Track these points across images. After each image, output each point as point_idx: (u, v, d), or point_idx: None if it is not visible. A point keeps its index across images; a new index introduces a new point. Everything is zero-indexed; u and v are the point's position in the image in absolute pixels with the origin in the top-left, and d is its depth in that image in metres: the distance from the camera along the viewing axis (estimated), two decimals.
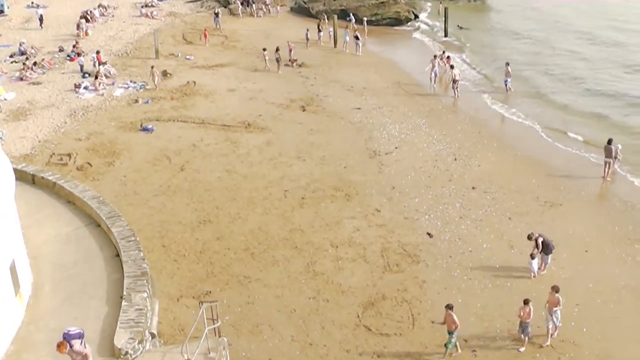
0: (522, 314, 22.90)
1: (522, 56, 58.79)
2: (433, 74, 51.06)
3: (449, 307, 22.50)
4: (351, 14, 68.60)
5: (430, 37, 67.69)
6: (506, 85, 50.24)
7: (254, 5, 73.79)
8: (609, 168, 36.64)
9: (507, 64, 50.57)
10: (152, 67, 48.07)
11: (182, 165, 36.42)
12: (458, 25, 68.85)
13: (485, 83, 52.93)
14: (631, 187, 36.07)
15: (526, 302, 22.94)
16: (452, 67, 50.71)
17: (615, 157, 36.93)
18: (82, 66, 50.50)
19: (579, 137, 42.43)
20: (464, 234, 30.42)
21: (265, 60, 54.33)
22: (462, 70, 54.23)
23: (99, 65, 50.20)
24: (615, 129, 42.30)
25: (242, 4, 73.03)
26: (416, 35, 69.11)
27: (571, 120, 45.50)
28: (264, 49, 55.25)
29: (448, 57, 54.39)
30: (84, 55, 52.65)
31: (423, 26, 71.98)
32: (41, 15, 62.30)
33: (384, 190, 34.48)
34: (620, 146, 37.50)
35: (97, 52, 52.29)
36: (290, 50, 55.73)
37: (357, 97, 48.39)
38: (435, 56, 53.68)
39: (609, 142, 36.55)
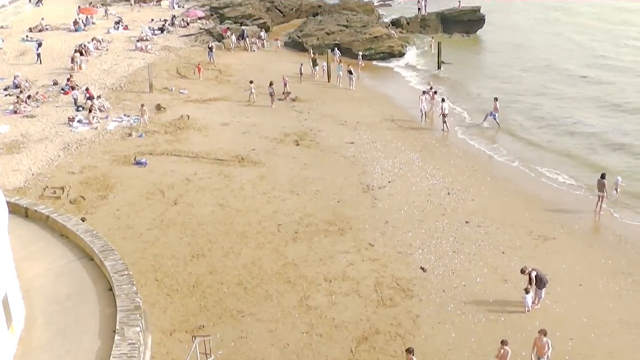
0: (538, 346, 22.90)
1: (508, 94, 58.91)
2: (421, 109, 51.29)
3: (410, 351, 22.50)
4: (335, 49, 68.69)
5: (418, 73, 67.71)
6: (495, 119, 50.37)
7: (247, 39, 73.98)
8: (601, 202, 36.78)
9: (496, 99, 50.88)
10: (142, 106, 47.92)
11: (176, 199, 36.40)
12: (442, 61, 69.29)
13: (475, 118, 52.76)
14: (624, 221, 36.17)
15: (544, 333, 23.01)
16: (443, 100, 50.69)
17: (615, 190, 37.29)
18: (76, 99, 50.57)
19: (566, 174, 42.64)
20: (458, 268, 30.41)
21: (252, 92, 54.60)
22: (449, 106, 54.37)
23: (90, 99, 50.32)
24: (601, 167, 42.39)
25: (237, 38, 73.18)
26: (403, 70, 69.08)
27: (559, 157, 45.62)
28: (251, 82, 55.61)
29: (435, 92, 54.44)
30: (78, 89, 52.75)
31: (413, 61, 72.07)
32: (39, 47, 62.12)
33: (377, 224, 34.49)
34: (620, 178, 37.82)
35: (87, 89, 52.62)
36: (285, 85, 55.88)
37: (351, 131, 48.50)
38: (423, 92, 53.87)
39: (602, 176, 36.77)
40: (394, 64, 71.24)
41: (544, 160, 44.84)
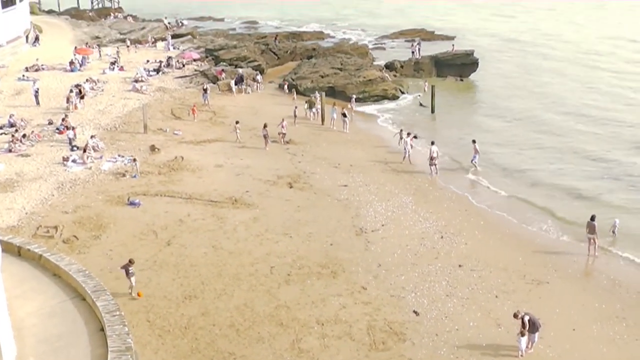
0: None
1: (497, 135, 59.58)
2: (405, 150, 51.82)
3: None
4: (317, 92, 68.88)
5: (410, 116, 67.86)
6: (473, 162, 50.63)
7: (245, 82, 74.16)
8: (593, 245, 36.87)
9: (474, 141, 51.12)
10: (135, 160, 47.56)
11: (169, 240, 36.35)
12: (420, 103, 69.97)
13: (464, 160, 52.77)
14: (617, 264, 36.26)
15: None
16: (432, 143, 50.51)
17: (613, 232, 37.53)
18: (71, 139, 50.63)
19: (558, 214, 42.82)
20: (451, 312, 30.37)
21: (237, 133, 55.13)
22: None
23: (67, 128, 51.39)
24: (597, 207, 42.54)
25: (235, 83, 73.21)
26: (396, 113, 69.25)
27: (552, 198, 45.98)
28: (237, 122, 56.21)
29: (415, 136, 54.35)
30: (72, 129, 52.86)
31: (406, 104, 72.35)
32: (37, 91, 62.10)
33: (370, 267, 34.47)
34: (617, 221, 38.01)
35: (63, 118, 54.00)
36: (283, 126, 56.21)
37: (344, 174, 48.62)
38: (408, 134, 53.85)
39: (592, 218, 36.92)
40: (387, 107, 71.48)
41: (532, 206, 44.96)
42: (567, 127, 62.78)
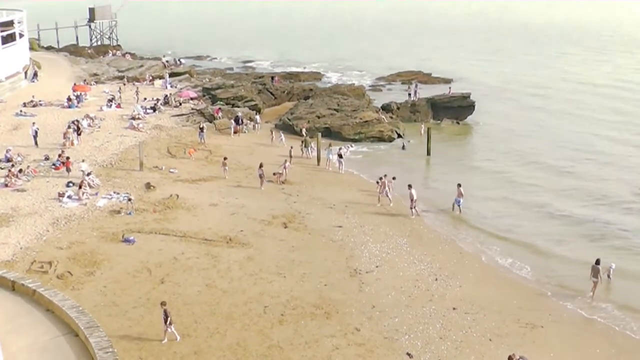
0: None
1: (490, 177, 60.11)
2: (387, 194, 51.53)
3: None
4: (303, 129, 69.34)
5: (406, 158, 67.97)
6: (458, 205, 50.60)
7: (242, 122, 74.11)
8: (595, 288, 36.96)
9: (459, 185, 50.87)
10: (130, 199, 47.45)
11: (163, 278, 36.28)
12: (403, 145, 70.90)
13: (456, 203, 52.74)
14: (612, 309, 36.27)
15: None
16: (409, 186, 50.26)
17: (608, 276, 37.65)
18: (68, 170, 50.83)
19: (552, 257, 43.08)
20: (445, 355, 30.33)
21: (225, 169, 55.61)
22: (434, 189, 54.62)
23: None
24: (593, 249, 42.60)
25: (236, 122, 73.22)
26: (391, 155, 69.32)
27: (546, 240, 46.03)
28: (225, 158, 56.96)
29: (393, 177, 54.14)
30: (69, 165, 53.02)
31: (401, 147, 72.37)
32: (36, 132, 61.70)
33: (364, 309, 34.42)
34: (614, 265, 38.18)
35: (67, 158, 53.78)
36: (285, 168, 56.62)
37: (339, 215, 48.67)
38: (393, 178, 53.72)
39: (597, 262, 37.10)
40: (382, 148, 71.64)
41: (525, 248, 45.00)
42: (564, 169, 62.91)
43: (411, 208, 49.74)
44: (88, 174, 50.63)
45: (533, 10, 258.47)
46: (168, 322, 29.92)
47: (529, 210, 52.04)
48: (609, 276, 38.61)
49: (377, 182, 53.05)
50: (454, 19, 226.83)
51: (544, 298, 37.18)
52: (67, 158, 53.49)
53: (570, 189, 56.96)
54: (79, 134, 63.07)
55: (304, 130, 72.13)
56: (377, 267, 39.86)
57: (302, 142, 66.38)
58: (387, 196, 51.64)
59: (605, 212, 51.44)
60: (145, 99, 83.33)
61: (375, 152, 70.03)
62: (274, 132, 71.36)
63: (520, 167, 64.10)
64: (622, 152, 68.66)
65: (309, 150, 65.82)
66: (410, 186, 50.24)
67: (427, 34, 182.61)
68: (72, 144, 60.51)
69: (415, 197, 49.60)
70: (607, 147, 70.81)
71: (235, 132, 71.49)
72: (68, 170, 52.09)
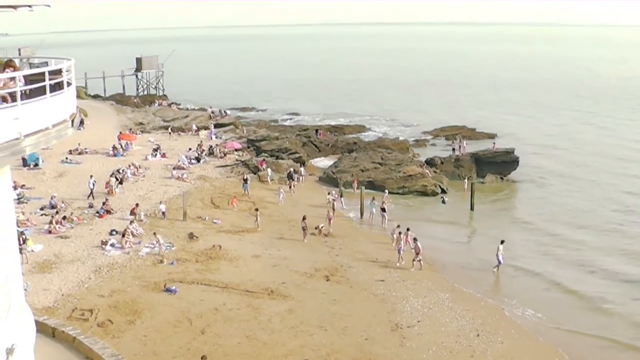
0: None
1: (534, 235, 59.34)
2: (398, 249, 50.34)
3: None
4: (332, 192, 68.75)
5: (449, 212, 67.57)
6: (500, 261, 49.44)
7: (294, 177, 73.75)
8: None
9: (502, 241, 50.08)
10: (155, 233, 47.51)
11: (203, 329, 36.16)
12: (442, 200, 70.52)
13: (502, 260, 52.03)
14: None
15: None
16: (415, 239, 49.58)
17: None
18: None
19: (603, 314, 42.33)
20: None
21: (257, 220, 55.87)
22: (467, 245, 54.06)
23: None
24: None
25: (289, 177, 72.92)
26: (435, 210, 69.02)
27: (593, 298, 45.36)
28: (256, 209, 57.78)
29: (407, 229, 53.19)
30: (113, 213, 53.47)
31: (445, 200, 72.03)
32: (93, 184, 61.30)
33: None
34: None
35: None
36: (329, 220, 56.79)
37: (381, 269, 48.37)
38: (398, 225, 53.57)
39: None
40: (426, 202, 71.33)
41: (572, 306, 44.35)
42: (610, 227, 61.92)
43: (414, 260, 48.87)
44: (131, 223, 50.94)
45: (579, 66, 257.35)
46: None
47: (572, 268, 51.24)
48: None
49: (392, 235, 52.14)
50: (500, 71, 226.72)
51: (591, 357, 36.48)
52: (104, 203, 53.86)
53: (616, 248, 56.08)
54: (120, 183, 63.57)
55: (354, 185, 72.08)
56: (418, 321, 39.45)
57: (339, 193, 66.63)
58: (399, 252, 49.98)
59: None
60: (189, 149, 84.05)
61: (419, 206, 69.69)
62: (330, 196, 69.58)
63: (563, 225, 63.29)
64: None
65: (342, 202, 65.84)
66: (415, 239, 49.59)
67: (473, 87, 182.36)
68: (114, 193, 60.91)
69: (421, 250, 48.98)
70: None
71: (289, 187, 71.14)
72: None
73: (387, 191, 69.16)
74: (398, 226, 53.30)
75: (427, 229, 59.81)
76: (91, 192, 60.69)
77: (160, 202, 57.73)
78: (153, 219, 55.11)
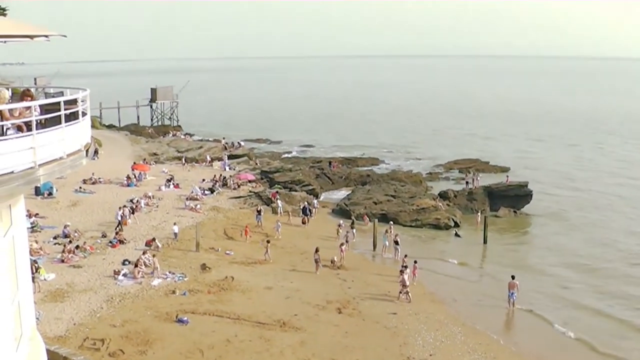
0: None
1: (545, 271, 58.90)
2: (403, 283, 49.48)
3: None
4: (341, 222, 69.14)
5: (461, 246, 67.39)
6: (512, 297, 49.10)
7: (310, 211, 73.94)
8: None
9: (513, 277, 49.83)
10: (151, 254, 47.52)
11: None
12: (456, 234, 70.15)
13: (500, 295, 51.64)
14: None
15: None
16: (401, 271, 49.37)
17: None
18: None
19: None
20: None
21: (267, 252, 55.79)
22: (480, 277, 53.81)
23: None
24: None
25: (303, 212, 72.81)
26: (447, 244, 68.87)
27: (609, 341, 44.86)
28: (267, 241, 57.65)
29: (415, 261, 53.42)
30: (126, 243, 53.55)
31: (458, 235, 71.87)
32: (122, 217, 61.09)
33: None
34: None
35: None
36: (342, 252, 56.81)
37: (393, 302, 48.19)
38: (406, 255, 53.69)
39: None
40: (439, 236, 71.18)
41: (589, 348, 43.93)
42: (627, 260, 61.61)
43: (400, 293, 48.63)
44: (144, 253, 50.95)
45: (596, 99, 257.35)
46: None
47: (587, 304, 50.94)
48: None
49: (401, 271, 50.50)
50: (515, 105, 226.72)
51: None
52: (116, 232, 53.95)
53: (633, 282, 55.82)
54: (132, 213, 63.68)
55: (365, 220, 72.12)
56: (430, 355, 39.24)
57: (351, 225, 66.71)
58: (404, 285, 49.03)
59: None
60: (203, 179, 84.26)
61: (432, 240, 69.55)
62: (341, 228, 68.77)
63: (578, 258, 63.06)
64: None
65: (354, 234, 65.96)
66: (401, 271, 49.39)
67: (487, 120, 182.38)
68: (126, 223, 60.99)
69: (407, 283, 48.77)
70: None
71: (303, 222, 71.06)
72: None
73: (391, 222, 69.24)
74: (406, 256, 53.30)
75: (438, 263, 59.74)
76: (119, 223, 60.46)
77: (175, 224, 58.77)
78: (167, 249, 55.12)
